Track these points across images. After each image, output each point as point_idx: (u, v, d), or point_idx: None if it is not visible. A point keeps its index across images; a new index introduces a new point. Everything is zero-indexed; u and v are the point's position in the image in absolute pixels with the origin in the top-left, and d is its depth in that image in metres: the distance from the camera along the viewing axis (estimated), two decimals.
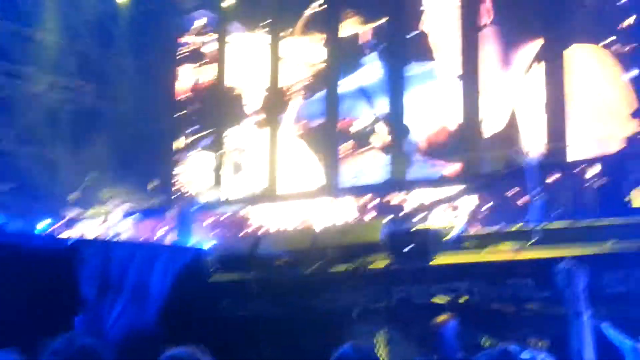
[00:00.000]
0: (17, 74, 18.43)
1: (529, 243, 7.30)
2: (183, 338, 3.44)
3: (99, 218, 12.97)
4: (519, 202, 9.82)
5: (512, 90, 14.10)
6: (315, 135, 15.76)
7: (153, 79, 19.51)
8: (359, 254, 7.70)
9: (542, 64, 13.47)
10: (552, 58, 13.20)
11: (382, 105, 15.06)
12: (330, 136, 15.33)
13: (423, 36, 14.53)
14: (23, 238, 8.07)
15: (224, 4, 17.83)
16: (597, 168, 10.13)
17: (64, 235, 11.29)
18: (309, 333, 7.46)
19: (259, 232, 9.56)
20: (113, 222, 12.43)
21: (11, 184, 17.84)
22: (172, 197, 13.02)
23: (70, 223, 13.29)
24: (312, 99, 16.17)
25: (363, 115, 15.27)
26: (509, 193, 10.15)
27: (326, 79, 15.85)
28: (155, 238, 11.62)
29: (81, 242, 7.53)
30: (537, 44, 12.81)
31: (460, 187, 10.73)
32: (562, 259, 6.59)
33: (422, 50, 14.64)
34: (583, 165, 10.65)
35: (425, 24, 14.52)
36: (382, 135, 14.95)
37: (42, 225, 14.17)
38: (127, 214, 12.83)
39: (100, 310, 7.12)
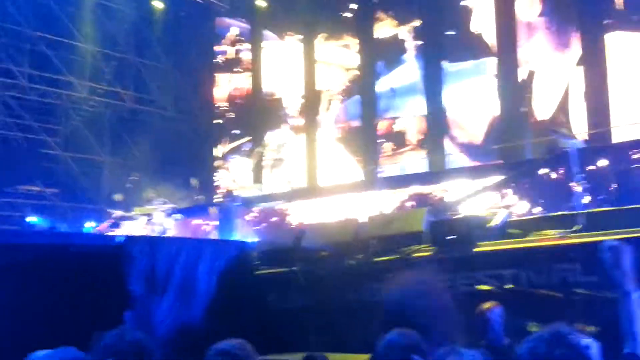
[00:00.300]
0: (59, 83, 18.86)
1: (574, 228, 7.20)
2: (230, 332, 3.50)
3: (143, 218, 13.20)
4: (563, 188, 9.71)
5: (555, 79, 13.96)
6: (355, 135, 15.82)
7: (191, 83, 19.78)
8: (403, 244, 7.68)
9: (584, 51, 13.32)
10: (592, 45, 13.05)
11: (420, 102, 15.04)
12: (369, 135, 15.37)
13: (463, 32, 14.47)
14: (72, 237, 8.26)
15: (257, 10, 18.00)
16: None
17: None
18: (355, 324, 7.47)
19: (302, 226, 9.58)
20: (157, 221, 12.63)
21: (57, 188, 18.28)
22: (214, 195, 13.14)
23: (116, 223, 13.55)
24: (350, 101, 16.25)
25: (401, 113, 15.26)
26: (553, 179, 10.03)
27: (362, 80, 15.90)
28: (199, 235, 11.77)
29: (129, 240, 7.65)
30: (578, 32, 12.69)
31: (504, 174, 10.62)
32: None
33: (461, 47, 14.59)
34: (627, 149, 10.47)
35: (466, 20, 14.45)
36: (420, 130, 14.93)
37: (88, 227, 14.49)
38: (170, 213, 13.02)
39: (149, 306, 7.23)
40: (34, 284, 7.17)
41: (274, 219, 12.82)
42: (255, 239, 9.52)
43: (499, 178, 10.25)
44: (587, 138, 11.54)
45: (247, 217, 12.46)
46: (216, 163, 16.16)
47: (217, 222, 11.41)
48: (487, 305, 5.86)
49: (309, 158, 15.30)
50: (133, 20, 19.61)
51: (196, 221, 13.41)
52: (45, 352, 2.06)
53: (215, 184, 15.69)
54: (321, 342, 7.65)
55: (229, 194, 12.38)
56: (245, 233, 10.93)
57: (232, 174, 15.28)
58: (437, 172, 13.25)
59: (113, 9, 19.17)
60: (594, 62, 13.20)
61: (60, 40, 18.84)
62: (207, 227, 12.06)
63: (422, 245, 7.58)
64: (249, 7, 18.92)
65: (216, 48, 19.68)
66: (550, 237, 7.10)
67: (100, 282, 6.92)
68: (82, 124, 18.86)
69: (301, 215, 12.57)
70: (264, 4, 18.56)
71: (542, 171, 10.43)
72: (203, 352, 3.43)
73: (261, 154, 14.49)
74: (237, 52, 19.21)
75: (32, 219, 16.06)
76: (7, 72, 17.89)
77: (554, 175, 10.10)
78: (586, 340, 2.78)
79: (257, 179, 14.64)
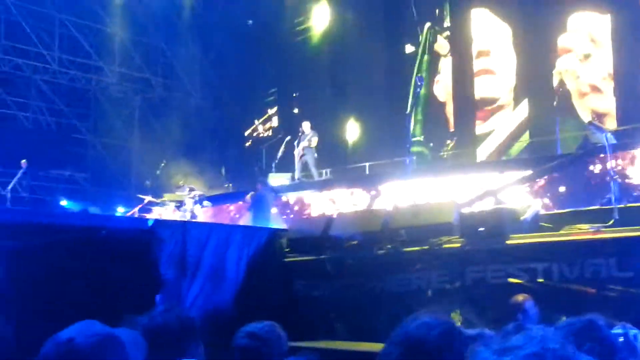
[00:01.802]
0: (89, 68, 19.04)
1: (608, 223, 7.10)
2: (257, 317, 3.50)
3: (173, 204, 13.28)
4: (596, 182, 9.59)
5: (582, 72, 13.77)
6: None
7: (219, 69, 19.84)
8: (432, 235, 7.64)
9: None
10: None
11: None
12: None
13: None
14: (104, 220, 8.33)
15: None
16: None
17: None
18: (382, 314, 7.47)
19: (331, 214, 9.58)
20: (186, 208, 12.71)
21: (87, 172, 18.50)
22: (245, 182, 13.18)
23: (146, 209, 13.66)
24: None
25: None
26: (586, 173, 9.91)
27: None
28: (229, 222, 11.83)
29: (159, 223, 7.70)
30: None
31: (532, 168, 10.50)
32: None
33: None
34: None
35: None
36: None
37: (119, 212, 14.63)
38: (200, 200, 13.10)
39: (179, 289, 7.28)
40: (64, 266, 7.25)
41: (304, 206, 12.82)
42: (285, 227, 9.54)
43: (533, 169, 10.13)
44: (620, 131, 11.37)
45: (278, 205, 12.48)
46: (246, 144, 16.13)
47: (248, 209, 11.43)
48: (519, 297, 5.81)
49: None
50: (163, 6, 19.70)
51: (226, 208, 13.48)
52: (70, 328, 2.06)
53: (246, 173, 15.71)
54: (347, 331, 7.66)
55: (260, 182, 12.41)
56: (276, 220, 10.96)
57: (263, 160, 15.28)
58: (467, 166, 13.14)
59: None
60: (622, 54, 13.02)
61: (90, 25, 19.01)
62: (237, 215, 12.10)
63: (452, 237, 7.54)
64: None
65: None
66: (583, 231, 7.01)
67: (130, 265, 6.97)
68: (112, 110, 19.03)
69: (331, 203, 12.55)
70: None
71: (576, 164, 10.28)
72: (231, 336, 3.44)
73: (291, 143, 14.48)
74: None
75: (63, 202, 16.27)
76: (38, 56, 18.09)
77: (587, 170, 9.96)
78: (618, 330, 2.71)
79: (287, 168, 14.66)
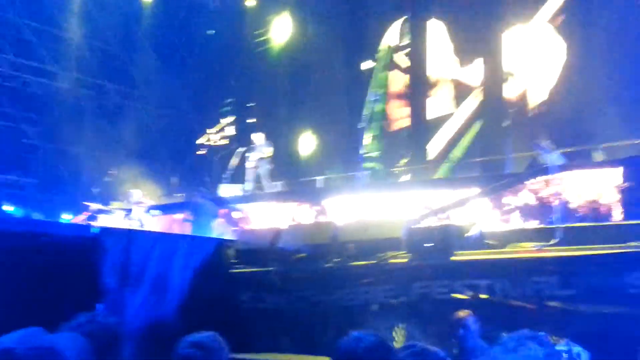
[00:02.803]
0: (42, 72, 18.67)
1: (551, 242, 7.24)
2: (202, 328, 3.45)
3: (121, 212, 13.08)
4: (541, 202, 9.76)
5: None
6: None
7: (177, 78, 19.68)
8: (380, 250, 7.67)
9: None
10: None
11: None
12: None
13: None
14: (47, 226, 8.15)
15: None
16: (620, 170, 10.00)
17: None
18: (329, 327, 7.45)
19: (280, 227, 9.55)
20: (135, 216, 12.52)
21: (35, 178, 18.09)
22: (192, 193, 13.06)
23: (93, 216, 13.42)
24: None
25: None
26: (531, 192, 10.08)
27: None
28: (175, 231, 11.68)
29: (103, 231, 7.56)
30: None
31: (482, 187, 10.65)
32: (584, 257, 6.58)
33: None
34: (606, 166, 10.54)
35: None
36: None
37: (65, 218, 14.34)
38: (149, 209, 12.92)
39: (122, 298, 7.14)
40: (5, 271, 7.07)
41: (251, 218, 12.75)
42: (232, 238, 9.46)
43: (479, 189, 10.27)
44: (568, 151, 11.63)
45: (224, 216, 12.39)
46: (196, 154, 15.96)
47: (192, 220, 11.30)
48: (460, 313, 5.86)
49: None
50: (122, 13, 19.50)
51: (173, 218, 13.32)
52: (12, 334, 2.02)
53: (194, 183, 15.57)
54: (292, 344, 7.62)
55: (206, 192, 12.31)
56: (221, 231, 10.87)
57: (212, 170, 15.18)
58: (419, 182, 13.27)
59: (102, 0, 19.05)
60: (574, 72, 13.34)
61: (46, 29, 18.67)
62: (183, 225, 11.95)
63: (399, 252, 7.58)
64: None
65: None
66: (527, 250, 7.13)
67: (73, 273, 6.83)
68: (64, 115, 18.69)
69: (278, 215, 12.51)
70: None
71: (521, 185, 10.45)
72: (174, 346, 3.39)
73: (241, 153, 14.41)
74: None
75: (8, 208, 15.87)
76: None
77: (532, 189, 10.14)
78: (562, 347, 2.76)
79: (239, 179, 14.57)
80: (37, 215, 13.91)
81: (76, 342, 3.09)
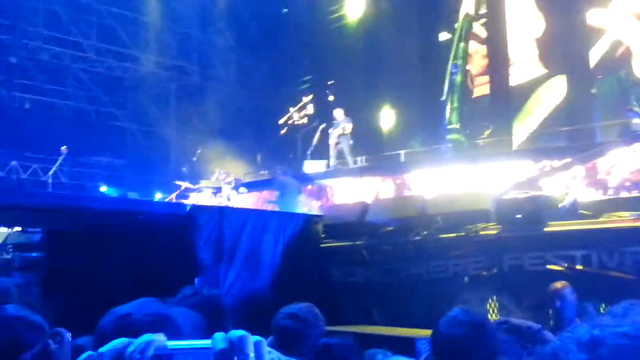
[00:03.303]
0: (125, 57, 19.27)
1: None
2: (294, 302, 3.54)
3: (209, 190, 13.40)
4: (635, 170, 9.44)
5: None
6: None
7: (254, 58, 19.91)
8: (468, 222, 7.61)
9: None
10: None
11: None
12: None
13: None
14: (142, 205, 8.45)
15: None
16: None
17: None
18: (419, 300, 7.47)
19: (367, 201, 9.58)
20: (223, 194, 12.81)
21: (126, 159, 18.77)
22: (278, 169, 13.23)
23: (183, 195, 13.80)
24: None
25: None
26: (625, 160, 9.75)
27: None
28: (263, 208, 11.89)
29: (197, 209, 7.79)
30: None
31: (570, 156, 10.37)
32: None
33: None
34: None
35: None
36: None
37: (157, 197, 14.83)
38: (236, 186, 13.18)
39: (216, 274, 7.36)
40: (104, 250, 7.40)
41: (339, 192, 12.83)
42: (320, 213, 9.57)
43: (572, 157, 10.00)
44: None
45: (308, 193, 12.52)
46: (281, 131, 16.13)
47: (280, 195, 11.44)
48: (557, 285, 5.77)
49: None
50: None
51: (261, 194, 13.56)
52: (129, 303, 2.13)
53: (281, 159, 15.75)
54: (382, 316, 7.69)
55: (292, 168, 12.42)
56: (306, 208, 10.99)
57: (297, 146, 15.30)
58: (503, 153, 13.03)
59: None
60: None
61: (126, 14, 19.21)
62: (271, 200, 12.14)
63: (489, 224, 7.50)
64: None
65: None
66: (623, 219, 6.92)
67: (168, 249, 7.07)
68: (148, 97, 19.23)
69: (367, 188, 12.54)
70: None
71: (613, 154, 10.12)
72: (267, 320, 3.49)
73: (325, 130, 14.48)
74: None
75: (103, 188, 16.54)
76: (76, 45, 18.36)
77: (626, 157, 9.80)
78: None
79: (322, 155, 14.66)
80: (131, 195, 14.44)
81: (187, 315, 3.23)
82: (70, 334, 2.39)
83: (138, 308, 2.07)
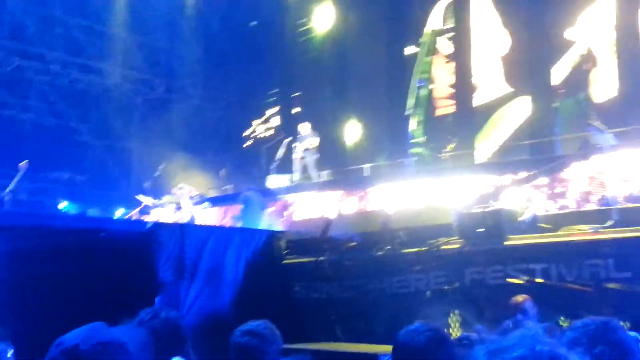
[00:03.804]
0: (90, 69, 19.01)
1: (607, 224, 7.10)
2: (256, 318, 3.51)
3: (172, 206, 13.25)
4: (594, 184, 9.58)
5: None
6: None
7: (223, 71, 19.83)
8: (431, 236, 7.64)
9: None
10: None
11: None
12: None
13: None
14: (103, 222, 8.33)
15: None
16: None
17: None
18: (382, 315, 7.47)
19: (330, 216, 9.58)
20: (186, 209, 12.68)
21: (87, 174, 18.47)
22: (242, 184, 13.16)
23: (145, 211, 13.63)
24: None
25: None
26: (584, 174, 9.89)
27: None
28: (226, 224, 11.80)
29: (158, 226, 7.70)
30: None
31: (532, 170, 10.49)
32: None
33: None
34: None
35: None
36: None
37: (118, 214, 14.62)
38: (199, 202, 13.06)
39: (178, 291, 7.28)
40: (64, 268, 7.26)
41: (301, 208, 12.80)
42: (282, 229, 9.52)
43: (531, 171, 10.12)
44: (619, 132, 11.34)
45: (275, 207, 12.46)
46: (245, 146, 16.06)
47: (242, 211, 11.36)
48: (519, 298, 5.81)
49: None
50: (165, 7, 19.67)
51: (224, 210, 13.46)
52: (75, 332, 2.08)
53: (244, 174, 15.65)
54: (345, 333, 7.66)
55: (256, 183, 12.36)
56: (271, 223, 10.93)
57: (263, 161, 15.23)
58: (468, 167, 13.13)
59: None
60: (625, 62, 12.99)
61: (92, 26, 18.98)
62: (234, 216, 12.05)
63: (451, 238, 7.54)
64: None
65: None
66: (582, 232, 7.01)
67: (129, 267, 6.98)
68: (112, 111, 19.00)
69: (329, 205, 12.53)
70: None
71: (573, 167, 10.27)
72: (228, 338, 3.45)
73: (290, 144, 14.46)
74: None
75: (63, 204, 16.26)
76: (40, 57, 18.06)
77: (585, 171, 9.95)
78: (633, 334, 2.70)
79: (287, 169, 14.62)
80: (92, 212, 14.21)
81: (140, 336, 3.18)
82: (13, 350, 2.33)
83: (87, 338, 2.01)
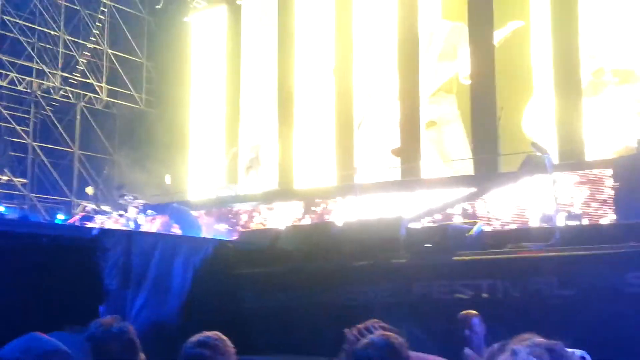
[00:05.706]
0: (31, 71, 18.54)
1: (550, 242, 7.30)
2: (204, 330, 3.47)
3: (116, 212, 13.02)
4: (536, 202, 9.84)
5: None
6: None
7: (166, 77, 19.61)
8: (379, 250, 7.69)
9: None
10: None
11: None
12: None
13: None
14: (46, 227, 8.10)
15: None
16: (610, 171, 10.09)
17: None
18: (329, 328, 7.45)
19: (279, 227, 9.55)
20: (130, 216, 12.47)
21: (27, 178, 17.96)
22: (183, 193, 13.04)
23: (87, 217, 13.35)
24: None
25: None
26: (528, 192, 10.15)
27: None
28: (169, 231, 11.66)
29: (104, 232, 7.53)
30: None
31: (476, 186, 10.73)
32: (583, 257, 6.64)
33: None
34: (599, 167, 10.63)
35: None
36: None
37: (59, 219, 14.26)
38: (143, 209, 12.87)
39: (123, 300, 7.13)
40: (5, 273, 7.02)
41: (250, 218, 12.75)
42: (232, 238, 9.45)
43: (476, 187, 10.34)
44: (562, 152, 11.71)
45: (221, 216, 12.37)
46: (190, 154, 15.91)
47: (170, 220, 11.27)
48: (467, 313, 5.89)
49: (285, 158, 15.33)
50: (108, 11, 19.41)
51: (166, 218, 13.27)
52: (12, 344, 2.01)
53: (189, 183, 15.50)
54: (293, 345, 7.62)
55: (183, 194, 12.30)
56: (211, 233, 10.84)
57: (207, 170, 15.10)
58: (410, 181, 13.30)
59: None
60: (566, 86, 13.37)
61: (33, 27, 18.55)
62: (172, 225, 11.91)
63: (399, 252, 7.60)
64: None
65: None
66: (526, 250, 7.18)
67: (73, 274, 6.80)
68: (54, 114, 18.57)
69: (278, 215, 12.52)
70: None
71: (516, 184, 10.53)
72: (176, 348, 3.40)
73: (236, 153, 14.40)
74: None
75: (0, 209, 15.76)
76: None
77: (526, 188, 10.21)
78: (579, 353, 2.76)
79: (232, 179, 14.54)
80: (32, 216, 13.83)
81: (80, 343, 3.12)
82: None
83: (26, 351, 1.94)
